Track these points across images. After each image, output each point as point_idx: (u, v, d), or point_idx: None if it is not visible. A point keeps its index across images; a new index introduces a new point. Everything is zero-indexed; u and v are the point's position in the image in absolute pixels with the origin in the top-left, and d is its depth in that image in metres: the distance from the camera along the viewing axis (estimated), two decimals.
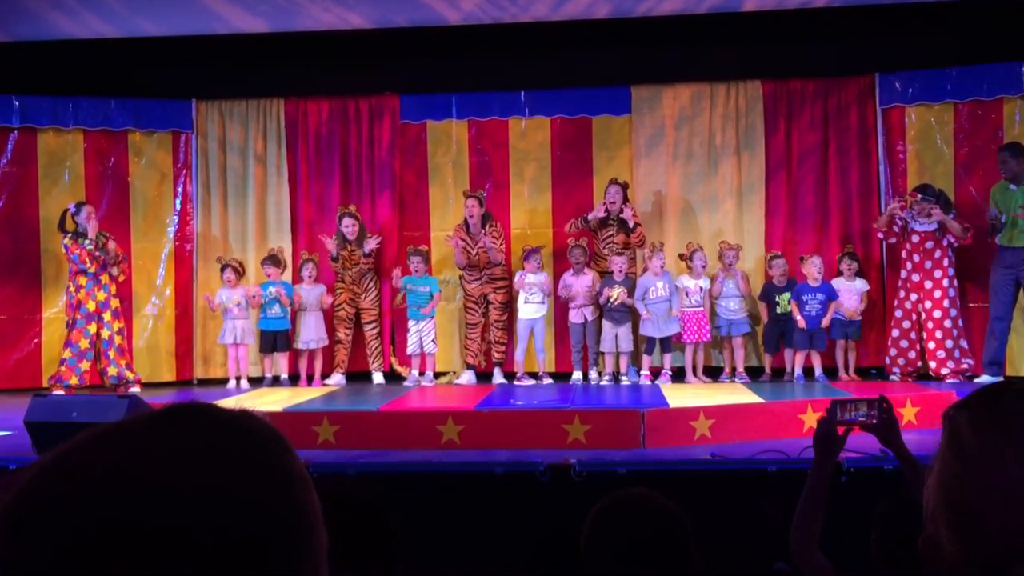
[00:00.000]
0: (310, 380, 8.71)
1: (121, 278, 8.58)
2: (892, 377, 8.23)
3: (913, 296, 8.15)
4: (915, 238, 8.11)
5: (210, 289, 8.91)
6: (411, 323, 8.60)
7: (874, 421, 2.68)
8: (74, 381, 8.27)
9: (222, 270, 8.71)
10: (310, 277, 8.78)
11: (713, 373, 8.53)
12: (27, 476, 0.72)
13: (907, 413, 6.01)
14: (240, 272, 8.75)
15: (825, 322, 8.19)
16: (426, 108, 9.24)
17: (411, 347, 8.62)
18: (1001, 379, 7.47)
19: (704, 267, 8.41)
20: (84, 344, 8.33)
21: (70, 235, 8.30)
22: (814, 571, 2.40)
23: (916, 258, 8.12)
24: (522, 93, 9.14)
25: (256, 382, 8.71)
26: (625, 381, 8.31)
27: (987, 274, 7.97)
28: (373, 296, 8.92)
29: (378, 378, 8.88)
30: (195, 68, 9.18)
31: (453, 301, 9.09)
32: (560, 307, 8.74)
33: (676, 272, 8.69)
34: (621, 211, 8.45)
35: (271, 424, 0.79)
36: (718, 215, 8.99)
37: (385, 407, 6.63)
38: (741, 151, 8.96)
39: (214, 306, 8.71)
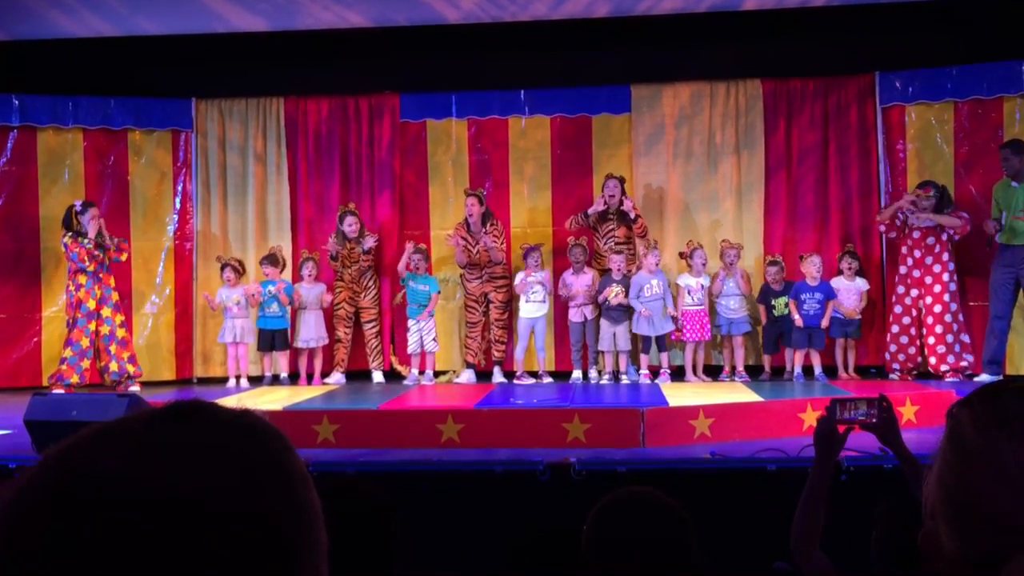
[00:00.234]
0: (310, 379, 8.71)
1: (123, 257, 8.54)
2: (892, 376, 8.23)
3: (914, 292, 8.16)
4: (916, 234, 8.12)
5: (210, 288, 8.92)
6: (411, 322, 8.60)
7: (874, 420, 2.68)
8: (75, 379, 8.27)
9: (222, 269, 8.72)
10: (310, 276, 8.78)
11: (712, 372, 8.54)
12: (27, 475, 0.72)
13: (907, 412, 6.01)
14: (240, 271, 8.75)
15: (824, 322, 8.19)
16: (426, 107, 9.24)
17: (412, 346, 8.61)
18: (1001, 378, 7.49)
19: (704, 265, 8.41)
20: (85, 343, 8.33)
21: (70, 234, 8.30)
22: (814, 570, 2.40)
23: (917, 253, 8.12)
24: (522, 92, 9.14)
25: (256, 381, 8.71)
26: (625, 380, 8.31)
27: (987, 272, 7.97)
28: (372, 295, 8.92)
29: (378, 377, 8.88)
30: (195, 67, 9.18)
31: (453, 300, 9.09)
32: (560, 306, 8.75)
33: (677, 270, 8.70)
34: (621, 204, 8.45)
35: (271, 423, 0.79)
36: (718, 214, 8.99)
37: (385, 406, 6.64)
38: (741, 150, 8.96)
39: (214, 305, 8.72)
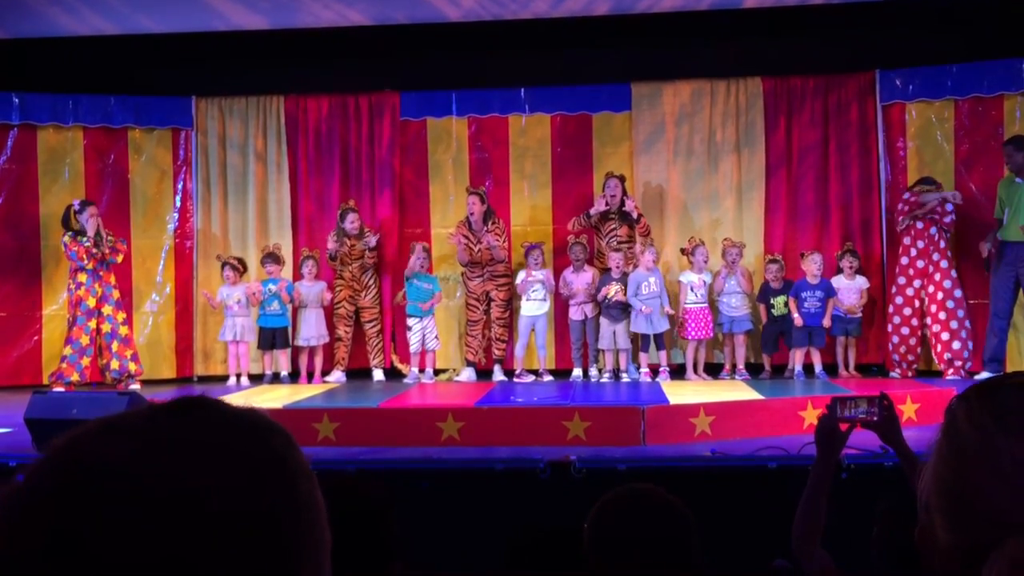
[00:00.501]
0: (310, 377, 8.71)
1: (119, 259, 8.54)
2: (893, 374, 8.24)
3: (916, 282, 8.17)
4: (919, 224, 8.12)
5: (210, 286, 8.92)
6: (413, 320, 8.58)
7: (875, 418, 2.68)
8: (75, 377, 8.28)
9: (222, 268, 8.72)
10: (310, 274, 8.78)
11: (713, 370, 8.53)
12: (31, 469, 0.71)
13: (907, 410, 6.01)
14: (239, 269, 8.75)
15: (826, 321, 8.18)
16: (426, 105, 9.23)
17: (413, 344, 8.60)
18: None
19: (706, 262, 8.41)
20: (85, 340, 8.34)
21: (69, 233, 8.30)
22: (815, 567, 2.40)
23: (920, 244, 8.13)
24: (522, 90, 9.13)
25: (256, 379, 8.71)
26: (625, 378, 8.30)
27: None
28: (373, 294, 8.91)
29: (378, 375, 8.88)
30: (195, 65, 9.17)
31: (454, 298, 9.09)
32: (560, 304, 8.74)
33: (678, 268, 8.70)
34: (622, 204, 8.45)
35: (276, 420, 0.79)
36: (718, 212, 8.99)
37: (385, 404, 6.64)
38: (741, 148, 8.96)
39: (214, 303, 8.72)
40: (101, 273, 8.38)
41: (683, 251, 8.58)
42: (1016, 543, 0.93)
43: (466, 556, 4.42)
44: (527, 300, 8.54)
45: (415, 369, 8.65)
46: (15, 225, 8.87)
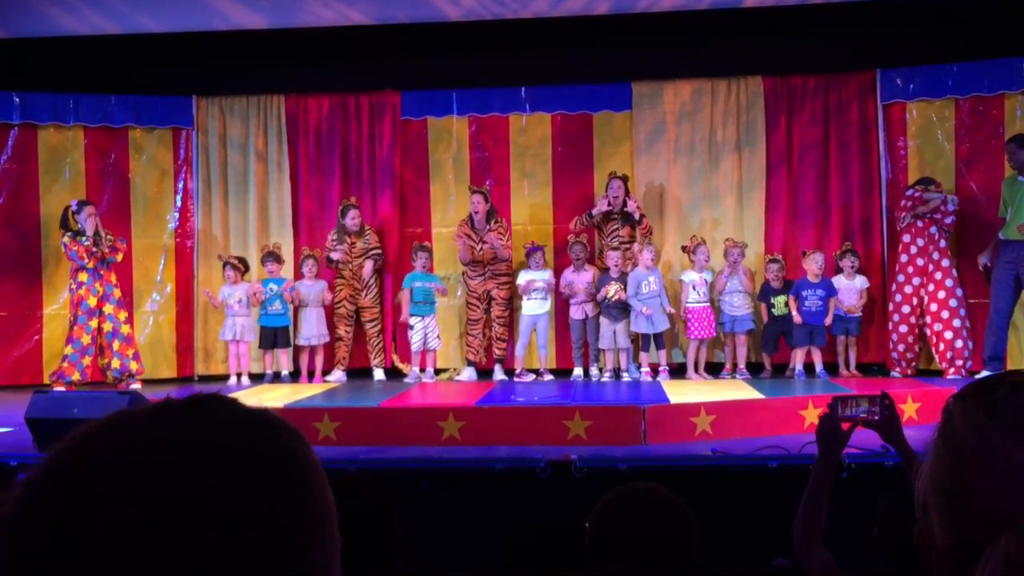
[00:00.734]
0: (311, 376, 8.71)
1: (119, 258, 8.53)
2: (893, 373, 8.24)
3: (915, 280, 8.17)
4: (919, 223, 8.13)
5: (211, 286, 8.92)
6: (415, 319, 8.57)
7: (876, 417, 2.68)
8: (76, 377, 8.28)
9: (223, 267, 8.72)
10: (311, 273, 8.78)
11: (713, 369, 8.53)
12: (33, 470, 0.71)
13: (908, 409, 6.01)
14: (240, 269, 8.75)
15: (828, 320, 8.18)
16: (427, 104, 9.23)
17: (415, 344, 8.59)
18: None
19: (707, 261, 8.41)
20: (86, 340, 8.34)
21: (69, 233, 8.31)
22: (816, 566, 2.40)
23: (920, 242, 8.13)
24: (523, 89, 9.13)
25: (257, 378, 8.71)
26: (626, 377, 8.30)
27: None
28: (374, 294, 8.91)
29: (379, 374, 8.88)
30: (195, 64, 9.17)
31: (454, 298, 9.09)
32: (561, 304, 8.74)
33: (680, 266, 8.69)
34: (624, 204, 8.45)
35: (286, 419, 0.78)
36: (719, 211, 8.99)
37: (386, 403, 6.64)
38: (742, 147, 8.95)
39: (216, 302, 8.72)
40: (102, 272, 8.39)
41: (684, 249, 8.58)
42: (1010, 538, 0.93)
43: (466, 556, 4.42)
44: (528, 299, 8.54)
45: (416, 368, 8.65)
46: (16, 225, 8.88)
